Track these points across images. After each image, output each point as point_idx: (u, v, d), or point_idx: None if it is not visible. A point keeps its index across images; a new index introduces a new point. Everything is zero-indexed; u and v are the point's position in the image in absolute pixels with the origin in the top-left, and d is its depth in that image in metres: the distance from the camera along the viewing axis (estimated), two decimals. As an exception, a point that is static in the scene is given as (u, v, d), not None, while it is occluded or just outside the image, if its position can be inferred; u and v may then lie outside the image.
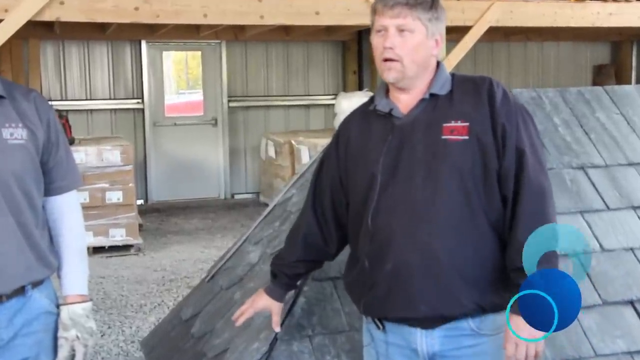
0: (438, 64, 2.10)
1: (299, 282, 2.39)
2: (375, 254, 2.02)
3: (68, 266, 2.28)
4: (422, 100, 2.03)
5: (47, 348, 2.24)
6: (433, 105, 2.02)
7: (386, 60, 2.01)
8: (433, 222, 1.96)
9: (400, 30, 2.00)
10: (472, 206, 1.96)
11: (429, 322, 2.00)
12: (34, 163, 2.18)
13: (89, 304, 2.29)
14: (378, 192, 2.01)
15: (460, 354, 2.00)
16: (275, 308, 2.32)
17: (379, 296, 2.04)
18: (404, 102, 2.05)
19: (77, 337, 2.23)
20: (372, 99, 2.16)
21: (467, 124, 1.96)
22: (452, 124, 1.97)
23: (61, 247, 2.28)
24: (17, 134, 2.13)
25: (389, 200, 2.00)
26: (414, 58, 2.00)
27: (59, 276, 2.30)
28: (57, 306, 2.27)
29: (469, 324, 1.99)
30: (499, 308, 1.97)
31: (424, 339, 2.02)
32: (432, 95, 2.03)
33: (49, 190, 2.26)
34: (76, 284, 2.28)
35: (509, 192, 1.96)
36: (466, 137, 1.95)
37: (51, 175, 2.25)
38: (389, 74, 2.02)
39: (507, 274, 1.97)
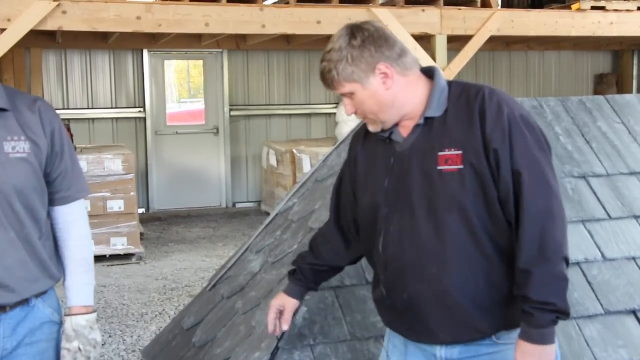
0: (434, 74, 2.00)
1: (318, 284, 2.36)
2: (391, 283, 2.02)
3: (72, 277, 2.27)
4: (417, 125, 1.97)
5: (50, 358, 2.24)
6: (429, 130, 1.95)
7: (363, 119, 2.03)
8: (440, 256, 1.92)
9: (345, 95, 1.98)
10: (477, 236, 1.90)
11: (449, 342, 2.01)
12: (37, 176, 2.16)
13: (93, 316, 2.28)
14: (385, 223, 2.00)
15: None
16: (289, 305, 2.29)
17: (399, 321, 2.06)
18: (403, 124, 2.01)
19: (80, 349, 2.23)
20: None
21: (460, 152, 1.89)
22: (447, 152, 1.90)
23: (66, 258, 2.27)
24: (19, 148, 2.12)
25: (396, 233, 1.98)
26: (375, 109, 1.96)
27: (64, 286, 2.29)
28: (61, 316, 2.27)
29: (491, 337, 1.99)
30: (518, 323, 1.93)
31: (444, 351, 2.03)
32: (427, 119, 1.96)
33: (54, 200, 2.25)
34: (80, 295, 2.27)
35: (512, 218, 1.90)
36: (461, 167, 1.88)
37: (56, 185, 2.23)
38: (371, 128, 2.02)
39: None
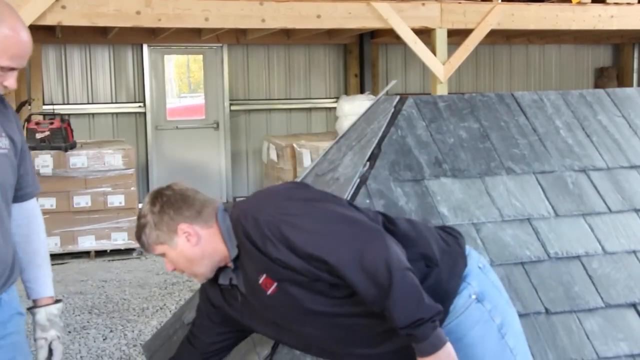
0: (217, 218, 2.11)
1: None
2: None
3: (39, 269, 2.34)
4: (233, 271, 2.11)
5: (22, 350, 2.29)
6: (242, 267, 2.07)
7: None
8: (335, 347, 2.10)
9: (163, 256, 2.14)
10: (344, 316, 2.02)
11: None
12: (14, 171, 2.20)
13: (61, 305, 2.38)
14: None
15: None
16: None
17: None
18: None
19: (58, 337, 2.31)
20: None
21: (264, 275, 2.01)
22: (261, 280, 2.02)
23: (30, 252, 2.32)
24: (1, 144, 2.15)
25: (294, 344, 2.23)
26: (187, 265, 2.11)
27: (26, 279, 2.33)
28: (23, 308, 2.31)
29: None
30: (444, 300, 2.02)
31: None
32: (234, 260, 2.07)
33: (19, 196, 2.28)
34: (47, 286, 2.35)
35: (351, 287, 1.95)
36: (275, 284, 2.00)
37: (21, 181, 2.26)
38: (197, 280, 2.19)
39: None
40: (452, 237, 2.17)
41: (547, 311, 2.72)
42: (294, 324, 2.08)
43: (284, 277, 1.98)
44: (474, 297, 2.05)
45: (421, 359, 1.91)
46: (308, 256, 1.93)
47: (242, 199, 10.20)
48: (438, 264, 2.05)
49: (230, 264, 2.10)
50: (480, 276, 2.10)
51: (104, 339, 5.02)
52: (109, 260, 7.28)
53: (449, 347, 1.91)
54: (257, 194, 2.21)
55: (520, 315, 2.66)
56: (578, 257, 2.88)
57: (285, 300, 2.02)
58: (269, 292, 2.02)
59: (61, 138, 7.39)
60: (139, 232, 2.12)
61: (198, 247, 2.08)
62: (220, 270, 2.15)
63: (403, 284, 1.88)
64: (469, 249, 2.17)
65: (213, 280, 2.19)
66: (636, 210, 3.07)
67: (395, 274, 1.87)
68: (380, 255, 1.89)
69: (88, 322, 5.40)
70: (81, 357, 4.73)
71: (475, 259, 2.14)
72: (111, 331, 5.19)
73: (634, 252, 2.95)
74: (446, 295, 2.04)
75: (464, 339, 2.03)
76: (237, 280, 2.11)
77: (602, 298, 2.79)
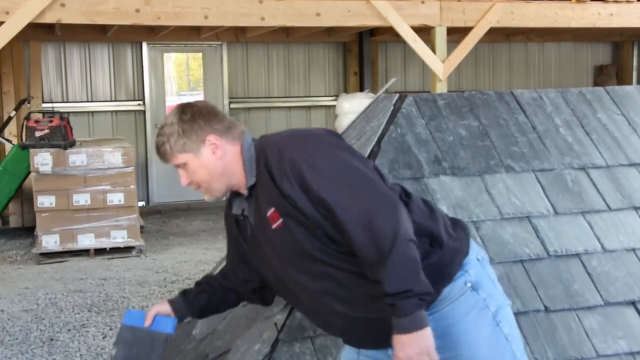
0: (243, 144, 2.12)
1: (202, 313, 2.43)
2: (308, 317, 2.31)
3: None
4: (246, 198, 2.12)
5: None
6: (256, 197, 2.09)
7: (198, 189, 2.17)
8: (317, 294, 2.09)
9: (179, 167, 2.14)
10: (332, 264, 2.03)
11: (385, 347, 2.07)
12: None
13: None
14: (278, 282, 2.21)
15: None
16: (164, 310, 2.35)
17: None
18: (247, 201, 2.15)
19: None
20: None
21: (272, 208, 2.03)
22: (269, 212, 2.03)
23: None
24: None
25: (290, 287, 2.17)
26: (206, 178, 2.12)
27: None
28: None
29: None
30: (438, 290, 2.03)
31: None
32: (250, 188, 2.10)
33: None
34: None
35: (345, 238, 1.96)
36: (281, 220, 2.02)
37: None
38: (207, 197, 2.19)
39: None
40: (460, 227, 2.18)
41: (546, 309, 2.72)
42: (289, 268, 2.08)
43: (291, 214, 1.99)
44: (469, 285, 2.06)
45: (397, 336, 1.88)
46: (319, 201, 1.95)
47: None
48: (442, 246, 2.06)
49: (245, 192, 2.11)
50: (478, 267, 2.11)
51: (103, 337, 5.02)
52: (108, 259, 7.28)
53: (428, 332, 1.89)
54: (290, 131, 2.19)
55: (520, 313, 2.66)
56: (577, 255, 2.88)
57: (287, 239, 2.02)
58: (274, 226, 2.03)
59: (60, 136, 7.39)
60: (162, 140, 2.11)
61: (221, 161, 2.10)
62: (234, 199, 2.17)
63: (404, 252, 1.88)
64: (472, 242, 2.17)
65: (230, 212, 2.21)
66: (635, 208, 3.08)
67: (400, 241, 1.88)
68: (390, 220, 1.90)
69: (87, 320, 5.40)
70: (81, 355, 4.73)
71: (476, 251, 2.15)
72: (110, 329, 5.19)
73: (633, 250, 2.95)
74: (443, 277, 2.05)
75: (459, 324, 2.04)
76: (248, 211, 2.12)
77: (601, 296, 2.79)
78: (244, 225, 2.18)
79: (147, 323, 2.31)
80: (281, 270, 2.11)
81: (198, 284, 2.39)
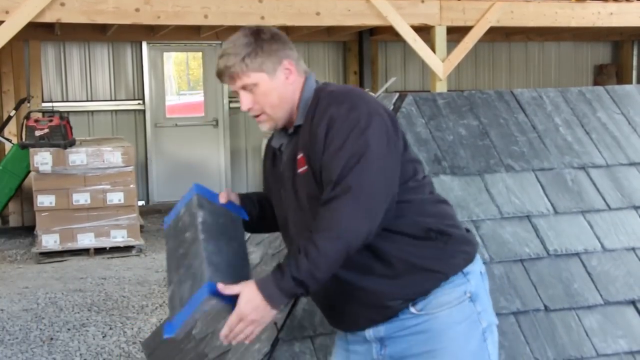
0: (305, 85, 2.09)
1: (259, 216, 2.36)
2: None
3: None
4: (289, 135, 2.09)
5: None
6: (296, 136, 2.06)
7: (255, 117, 2.09)
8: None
9: (245, 89, 2.04)
10: None
11: (368, 326, 2.09)
12: None
13: None
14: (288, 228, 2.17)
15: (405, 333, 2.06)
16: (233, 197, 2.30)
17: (326, 314, 2.22)
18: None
19: None
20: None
21: (302, 154, 2.01)
22: (299, 157, 2.02)
23: None
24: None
25: (294, 235, 2.12)
26: (275, 102, 2.04)
27: None
28: None
29: (409, 309, 2.04)
30: (429, 289, 2.02)
31: (371, 331, 2.10)
32: (296, 127, 2.06)
33: None
34: None
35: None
36: (305, 167, 2.00)
37: None
38: (263, 127, 2.11)
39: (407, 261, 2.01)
40: (471, 236, 2.19)
41: (546, 308, 2.72)
42: (300, 211, 2.06)
43: (312, 165, 1.98)
44: (468, 295, 2.06)
45: (256, 290, 1.85)
46: (322, 163, 1.94)
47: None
48: (448, 239, 2.06)
49: (291, 128, 2.08)
50: (479, 280, 2.11)
51: (103, 337, 5.03)
52: (108, 258, 7.28)
53: (272, 315, 1.88)
54: (351, 90, 2.10)
55: (520, 313, 2.67)
56: (577, 254, 2.88)
57: (303, 186, 2.01)
58: (300, 170, 2.01)
59: (60, 135, 7.39)
60: (233, 58, 2.00)
61: (291, 88, 2.05)
62: (277, 132, 2.13)
63: (333, 251, 1.86)
64: (478, 255, 2.17)
65: (269, 144, 2.19)
66: (635, 208, 3.08)
67: (341, 240, 1.86)
68: (354, 219, 1.88)
69: (87, 319, 5.40)
70: (80, 354, 4.73)
71: (480, 264, 2.15)
72: (110, 329, 5.19)
73: (633, 249, 2.95)
74: (445, 266, 2.04)
75: (449, 332, 2.03)
76: (286, 148, 2.10)
77: (601, 295, 2.79)
78: (278, 160, 2.15)
79: (222, 200, 2.22)
80: (293, 213, 2.09)
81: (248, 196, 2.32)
